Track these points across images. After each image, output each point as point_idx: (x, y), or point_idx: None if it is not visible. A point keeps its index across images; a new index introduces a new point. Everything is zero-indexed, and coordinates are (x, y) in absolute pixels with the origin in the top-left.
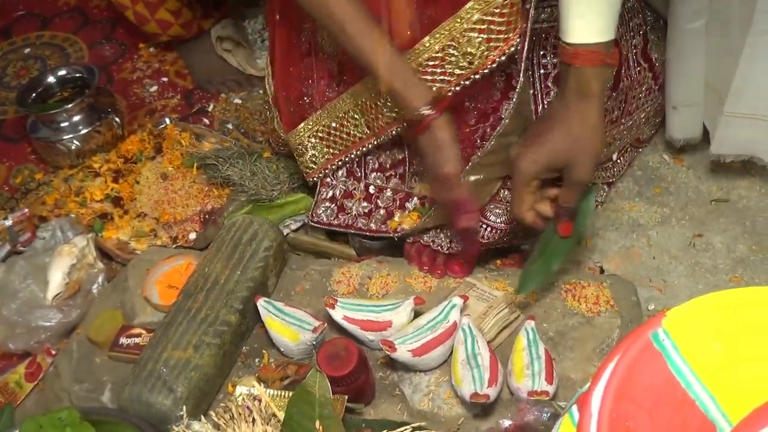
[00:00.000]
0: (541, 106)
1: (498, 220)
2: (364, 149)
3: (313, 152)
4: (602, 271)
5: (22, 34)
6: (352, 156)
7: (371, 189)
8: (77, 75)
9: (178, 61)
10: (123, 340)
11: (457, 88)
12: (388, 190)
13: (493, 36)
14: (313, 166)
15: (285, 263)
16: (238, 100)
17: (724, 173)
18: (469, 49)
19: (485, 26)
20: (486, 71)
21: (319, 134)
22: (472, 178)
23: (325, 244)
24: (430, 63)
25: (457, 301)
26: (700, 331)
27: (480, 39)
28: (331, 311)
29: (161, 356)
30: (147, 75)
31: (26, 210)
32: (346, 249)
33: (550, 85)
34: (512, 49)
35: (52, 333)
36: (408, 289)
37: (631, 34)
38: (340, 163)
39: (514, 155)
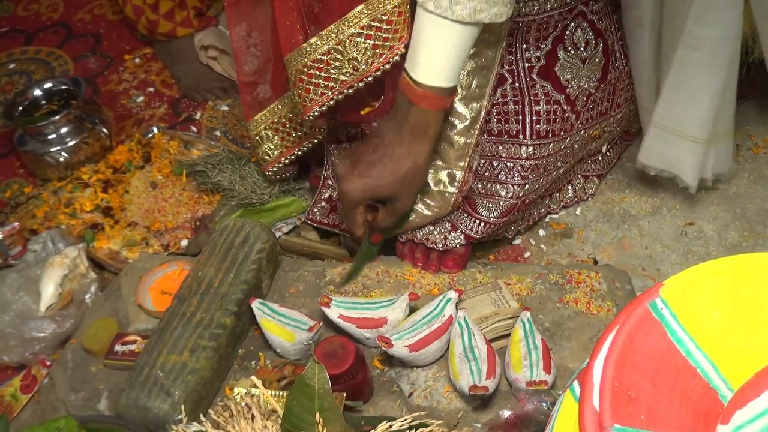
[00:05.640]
0: (528, 98)
1: (490, 215)
2: (315, 141)
3: (268, 144)
4: (596, 262)
5: (6, 50)
6: (304, 149)
7: None
8: (63, 87)
9: (163, 71)
10: (118, 348)
11: (340, 97)
12: None
13: (379, 43)
14: (267, 158)
15: (278, 265)
16: (225, 107)
17: None
18: (354, 55)
19: (372, 32)
20: (370, 79)
21: (275, 126)
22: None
23: (317, 245)
24: (315, 65)
25: (453, 295)
26: (697, 299)
27: (366, 45)
28: (326, 310)
29: (157, 361)
30: (133, 86)
31: (16, 224)
32: (338, 249)
33: (535, 77)
34: (397, 57)
35: (46, 344)
36: (411, 288)
37: (617, 26)
38: (292, 157)
39: (340, 174)
